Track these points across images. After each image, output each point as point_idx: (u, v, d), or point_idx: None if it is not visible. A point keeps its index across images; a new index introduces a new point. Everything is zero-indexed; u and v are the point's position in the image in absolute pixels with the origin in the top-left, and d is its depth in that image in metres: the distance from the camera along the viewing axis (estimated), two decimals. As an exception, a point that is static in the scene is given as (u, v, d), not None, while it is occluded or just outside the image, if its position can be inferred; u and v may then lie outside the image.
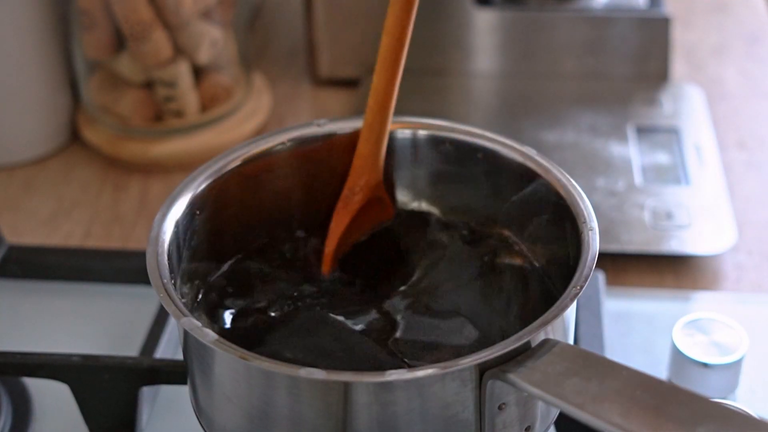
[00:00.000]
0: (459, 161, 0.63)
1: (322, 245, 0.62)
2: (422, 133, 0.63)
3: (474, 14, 0.93)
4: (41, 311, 0.75)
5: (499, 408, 0.51)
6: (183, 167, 0.87)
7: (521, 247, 0.61)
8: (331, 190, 0.63)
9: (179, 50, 0.86)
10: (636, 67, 0.94)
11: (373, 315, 0.59)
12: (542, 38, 0.94)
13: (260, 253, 0.62)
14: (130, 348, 0.70)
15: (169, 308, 0.52)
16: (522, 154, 0.60)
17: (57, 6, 0.88)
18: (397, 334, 0.58)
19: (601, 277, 0.72)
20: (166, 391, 0.67)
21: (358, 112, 0.91)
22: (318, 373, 0.48)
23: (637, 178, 0.83)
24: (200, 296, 0.60)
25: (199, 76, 0.88)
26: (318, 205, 0.63)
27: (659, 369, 0.68)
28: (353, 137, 0.62)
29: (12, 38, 0.86)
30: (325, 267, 0.62)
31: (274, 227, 0.63)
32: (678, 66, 0.99)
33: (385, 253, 0.63)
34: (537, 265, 0.61)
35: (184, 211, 0.58)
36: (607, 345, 0.68)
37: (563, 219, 0.58)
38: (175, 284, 0.55)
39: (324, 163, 0.63)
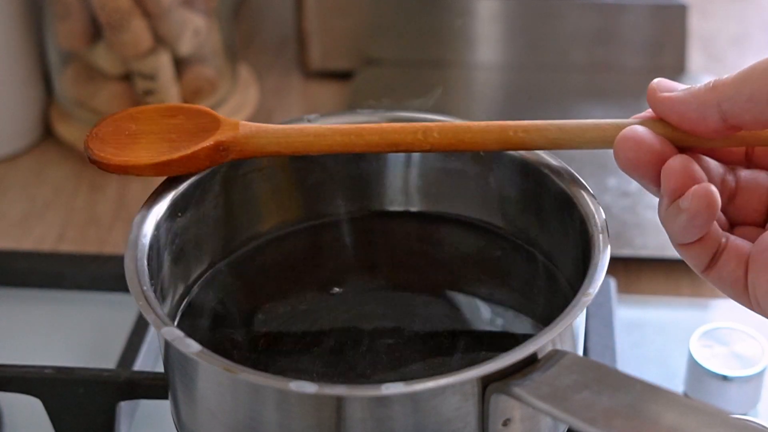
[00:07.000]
0: (459, 159, 0.63)
1: (316, 246, 0.62)
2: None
3: (476, 2, 0.94)
4: (11, 320, 0.75)
5: (504, 424, 0.51)
6: (164, 166, 0.86)
7: (526, 250, 0.61)
8: (324, 188, 0.63)
9: (160, 40, 0.85)
10: (650, 59, 0.94)
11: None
12: (549, 27, 0.94)
13: (248, 256, 0.62)
14: (106, 360, 0.70)
15: (149, 317, 0.52)
16: (527, 151, 0.60)
17: (28, -7, 0.88)
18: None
19: (612, 283, 0.72)
20: (146, 405, 0.67)
21: (350, 106, 0.91)
22: (309, 387, 0.48)
23: (651, 178, 0.83)
24: (183, 304, 0.60)
25: (180, 68, 0.88)
26: (311, 204, 0.64)
27: (675, 382, 0.68)
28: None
29: (-20, 27, 0.86)
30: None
31: (263, 228, 0.63)
32: (695, 57, 0.99)
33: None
34: (542, 270, 0.61)
35: (165, 212, 0.58)
36: (619, 356, 0.68)
37: (572, 221, 0.58)
38: (155, 291, 0.55)
39: (315, 160, 0.63)
